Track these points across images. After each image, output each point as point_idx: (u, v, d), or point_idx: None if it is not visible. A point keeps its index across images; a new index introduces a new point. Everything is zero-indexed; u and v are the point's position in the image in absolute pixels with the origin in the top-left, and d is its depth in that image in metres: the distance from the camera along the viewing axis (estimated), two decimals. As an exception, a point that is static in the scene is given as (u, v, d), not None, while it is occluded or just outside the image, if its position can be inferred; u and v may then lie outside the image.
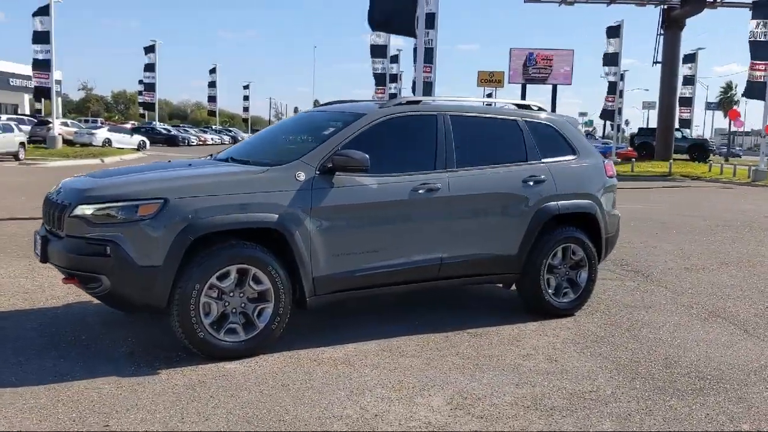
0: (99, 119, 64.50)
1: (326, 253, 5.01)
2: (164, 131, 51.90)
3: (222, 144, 58.06)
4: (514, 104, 6.52)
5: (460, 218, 5.60)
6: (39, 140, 36.47)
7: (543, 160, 6.09)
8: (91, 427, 3.65)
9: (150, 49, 49.22)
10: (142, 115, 59.66)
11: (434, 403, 4.12)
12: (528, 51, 56.03)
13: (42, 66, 36.13)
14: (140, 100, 52.74)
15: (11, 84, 59.75)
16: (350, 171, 5.06)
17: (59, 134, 36.18)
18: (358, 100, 6.41)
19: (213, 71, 60.42)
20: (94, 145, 37.27)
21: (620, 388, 4.48)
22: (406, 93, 41.60)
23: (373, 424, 3.81)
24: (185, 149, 46.83)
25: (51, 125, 36.52)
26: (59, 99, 67.26)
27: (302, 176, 4.97)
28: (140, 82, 50.00)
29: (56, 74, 64.02)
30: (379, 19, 14.10)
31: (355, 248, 5.15)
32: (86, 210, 4.54)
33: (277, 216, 4.79)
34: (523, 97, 57.50)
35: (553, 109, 57.00)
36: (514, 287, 6.29)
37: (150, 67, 49.21)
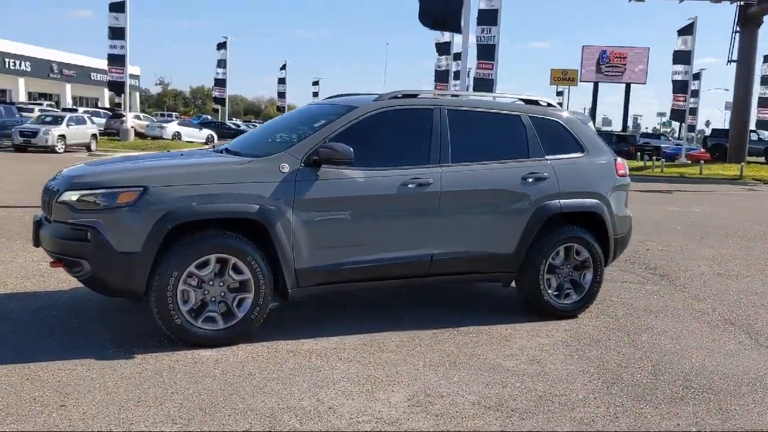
0: (174, 113, 66.51)
1: (309, 245, 5.01)
2: (233, 126, 52.99)
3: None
4: (521, 99, 6.38)
5: (453, 214, 5.51)
6: (113, 132, 37.89)
7: (546, 157, 5.93)
8: (48, 405, 3.77)
9: (222, 46, 50.34)
10: (215, 110, 61.05)
11: (394, 399, 4.08)
12: (601, 48, 54.88)
13: (117, 61, 37.34)
14: (214, 96, 53.89)
15: (92, 78, 62.36)
16: (335, 164, 5.06)
17: (132, 127, 37.52)
18: (369, 94, 6.36)
19: (283, 68, 61.25)
20: (164, 138, 38.42)
21: (594, 393, 4.33)
22: (463, 90, 41.56)
23: (324, 416, 3.80)
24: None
25: (124, 118, 37.86)
26: (137, 93, 69.93)
27: (286, 168, 4.99)
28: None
29: (134, 69, 66.70)
30: (427, 17, 14.05)
31: (340, 241, 5.14)
32: (72, 196, 4.68)
33: (258, 207, 4.82)
34: (595, 96, 56.37)
35: (626, 109, 55.82)
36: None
37: (222, 63, 50.32)
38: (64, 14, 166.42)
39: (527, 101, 6.31)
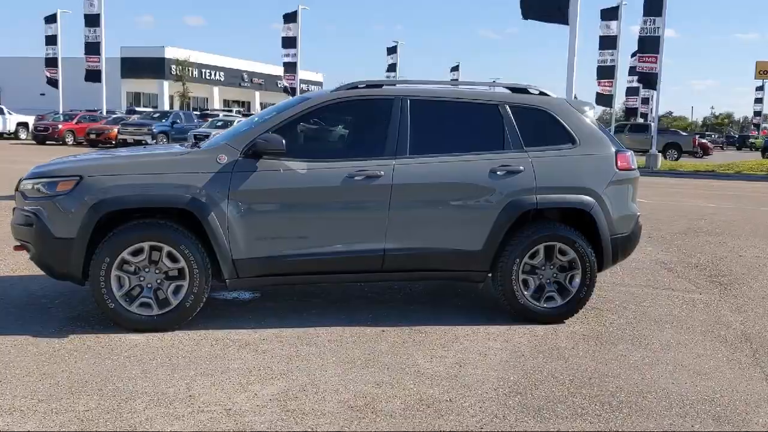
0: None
1: (247, 236, 5.04)
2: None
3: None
4: (508, 87, 5.95)
5: (407, 208, 5.28)
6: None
7: (526, 149, 5.50)
8: (-56, 373, 4.11)
9: (392, 50, 51.48)
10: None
11: (263, 393, 3.99)
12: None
13: (290, 68, 39.53)
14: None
15: (279, 86, 66.32)
16: (271, 155, 5.04)
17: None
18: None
19: (455, 68, 61.49)
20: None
21: (486, 402, 3.97)
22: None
23: (173, 404, 3.79)
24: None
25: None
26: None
27: (224, 159, 5.05)
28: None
29: (318, 76, 69.95)
30: (528, 7, 13.51)
31: (280, 233, 5.11)
32: (27, 185, 5.06)
33: (190, 197, 4.92)
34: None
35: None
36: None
37: (392, 67, 51.46)
38: (264, 27, 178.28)
39: (515, 89, 5.88)
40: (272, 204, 5.11)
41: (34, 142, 34.03)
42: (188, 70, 54.75)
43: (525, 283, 5.47)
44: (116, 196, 4.88)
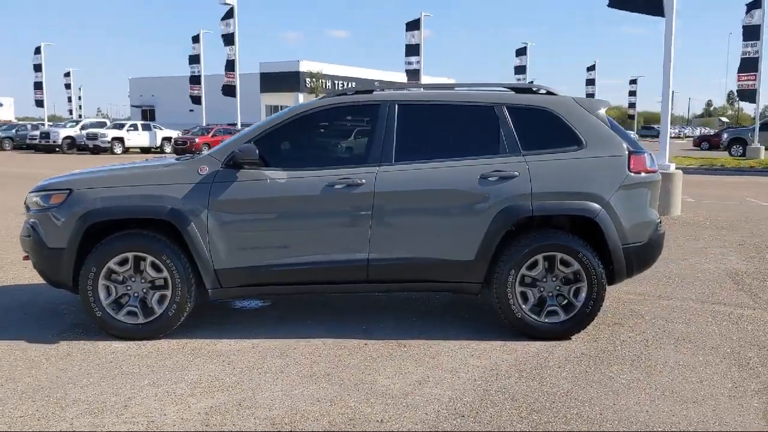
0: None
1: (228, 246, 5.04)
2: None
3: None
4: (511, 87, 5.58)
5: (392, 217, 5.08)
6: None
7: (523, 153, 5.14)
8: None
9: (521, 52, 50.47)
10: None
11: (197, 406, 3.94)
12: None
13: (414, 75, 39.77)
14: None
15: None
16: (248, 165, 5.03)
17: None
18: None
19: (592, 68, 59.34)
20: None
21: (418, 424, 3.71)
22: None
23: (103, 413, 3.83)
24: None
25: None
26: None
27: (205, 170, 5.09)
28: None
29: (442, 81, 69.67)
30: None
31: (261, 243, 5.08)
32: (30, 198, 5.34)
33: (170, 208, 5.00)
34: None
35: None
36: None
37: (520, 70, 50.45)
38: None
39: (519, 90, 5.52)
40: (252, 214, 5.08)
41: (175, 154, 36.29)
42: (321, 82, 56.35)
43: (523, 295, 5.11)
44: (101, 207, 5.03)
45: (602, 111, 5.36)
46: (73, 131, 39.70)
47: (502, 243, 5.08)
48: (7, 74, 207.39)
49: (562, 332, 5.12)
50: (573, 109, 5.27)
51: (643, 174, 5.23)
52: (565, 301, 5.12)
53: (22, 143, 40.43)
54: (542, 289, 5.12)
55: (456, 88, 5.72)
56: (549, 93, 5.45)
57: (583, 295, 5.08)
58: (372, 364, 4.63)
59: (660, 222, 5.36)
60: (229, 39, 39.65)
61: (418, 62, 39.46)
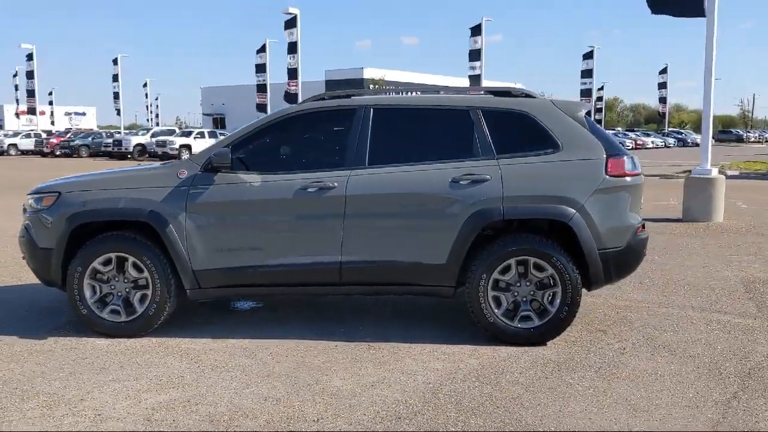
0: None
1: (205, 248, 5.18)
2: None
3: (664, 148, 55.62)
4: (490, 91, 5.53)
5: (363, 220, 5.11)
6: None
7: (497, 156, 5.10)
8: None
9: (588, 56, 49.55)
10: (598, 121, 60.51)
11: (148, 401, 4.06)
12: None
13: (475, 81, 39.57)
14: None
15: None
16: (223, 169, 5.16)
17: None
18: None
19: (663, 71, 57.61)
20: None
21: (353, 425, 3.74)
22: None
23: (58, 406, 3.99)
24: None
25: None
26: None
27: (185, 174, 5.24)
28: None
29: (517, 87, 69.12)
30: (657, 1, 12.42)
31: (236, 245, 5.19)
32: (27, 201, 5.62)
33: (149, 210, 5.17)
34: None
35: None
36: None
37: (587, 73, 49.54)
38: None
39: (497, 93, 5.47)
40: (227, 216, 5.20)
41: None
42: (384, 88, 56.69)
43: (496, 300, 5.06)
44: (85, 210, 5.25)
45: (581, 113, 5.27)
46: (143, 139, 41.13)
47: (477, 247, 5.05)
48: (91, 84, 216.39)
49: (536, 337, 5.04)
50: (550, 112, 5.20)
51: (622, 177, 5.11)
52: (540, 306, 5.04)
53: (97, 150, 42.14)
54: (516, 293, 5.06)
55: (441, 92, 5.71)
56: (527, 96, 5.39)
57: (557, 300, 4.99)
58: (334, 365, 4.67)
59: (641, 226, 5.22)
60: (291, 47, 40.35)
61: (479, 67, 39.31)
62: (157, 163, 5.74)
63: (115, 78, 53.03)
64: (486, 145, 5.12)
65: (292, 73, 41.07)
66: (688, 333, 5.36)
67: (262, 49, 45.57)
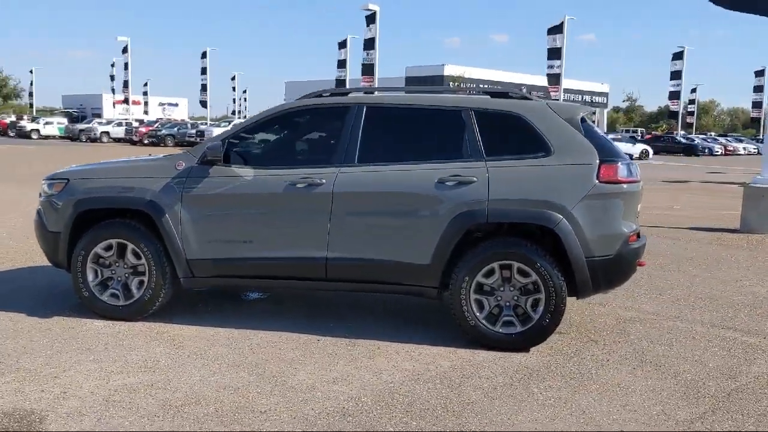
0: (639, 130, 65.35)
1: (198, 238, 5.34)
2: (684, 140, 49.72)
3: (757, 155, 52.90)
4: (487, 92, 5.45)
5: (349, 217, 5.15)
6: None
7: (486, 158, 5.04)
8: None
9: (677, 56, 47.88)
10: (669, 126, 58.37)
11: (113, 383, 4.20)
12: None
13: (554, 80, 38.93)
14: (671, 109, 51.25)
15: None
16: (217, 162, 5.29)
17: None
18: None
19: (760, 73, 54.87)
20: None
21: (296, 420, 3.80)
22: None
23: (31, 380, 4.21)
24: (703, 159, 44.12)
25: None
26: (605, 111, 70.65)
27: (182, 165, 5.41)
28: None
29: (603, 87, 67.53)
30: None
31: (228, 236, 5.32)
32: (42, 185, 5.92)
33: (148, 199, 5.37)
34: None
35: None
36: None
37: (676, 75, 47.88)
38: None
39: (494, 94, 5.39)
40: (219, 208, 5.33)
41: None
42: (464, 85, 56.34)
43: (479, 303, 5.00)
44: (89, 197, 5.49)
45: (578, 117, 5.13)
46: (224, 130, 42.33)
47: (463, 249, 5.00)
48: (185, 76, 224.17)
49: (518, 343, 4.96)
50: (545, 115, 5.09)
51: (615, 184, 4.95)
52: (524, 312, 4.96)
53: (182, 140, 43.64)
54: (499, 298, 4.99)
55: (443, 93, 5.68)
56: (523, 98, 5.29)
57: (541, 307, 4.90)
58: (307, 359, 4.73)
59: (636, 235, 5.04)
60: (369, 44, 40.68)
61: (559, 66, 38.67)
62: (161, 155, 5.94)
63: (204, 71, 54.86)
64: (475, 147, 5.06)
65: (368, 69, 41.40)
66: (684, 349, 5.15)
67: (343, 45, 46.13)
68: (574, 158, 4.96)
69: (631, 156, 39.69)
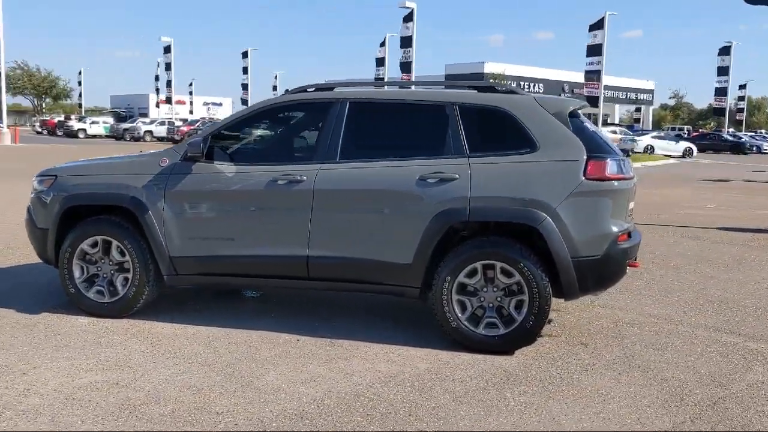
0: (685, 128, 63.83)
1: (180, 235, 5.28)
2: (731, 138, 48.32)
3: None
4: (473, 86, 5.27)
5: (330, 215, 5.03)
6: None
7: (469, 154, 4.87)
8: None
9: (724, 51, 46.60)
10: (717, 123, 56.81)
11: (79, 381, 4.16)
12: None
13: (593, 76, 38.18)
14: (716, 106, 49.92)
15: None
16: (198, 159, 5.23)
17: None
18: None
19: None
20: (636, 152, 37.53)
21: (252, 421, 3.71)
22: None
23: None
24: (751, 157, 42.81)
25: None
26: (650, 108, 69.22)
27: (166, 162, 5.37)
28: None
29: (648, 84, 66.13)
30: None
31: (209, 234, 5.26)
32: (33, 182, 5.94)
33: (131, 196, 5.33)
34: None
35: None
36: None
37: (723, 71, 46.62)
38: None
39: (481, 88, 5.22)
40: (201, 205, 5.27)
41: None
42: (506, 83, 55.82)
43: (461, 304, 4.84)
44: (75, 194, 5.48)
45: (567, 112, 4.92)
46: (261, 129, 42.66)
47: (446, 248, 4.85)
48: (228, 76, 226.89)
49: (500, 346, 4.79)
50: (531, 110, 4.90)
51: (603, 181, 4.74)
52: (507, 313, 4.78)
53: (220, 139, 44.08)
54: (482, 299, 4.82)
55: (432, 87, 5.53)
56: (511, 92, 5.10)
57: (524, 308, 4.72)
58: (281, 359, 4.64)
59: (626, 234, 4.82)
60: (406, 41, 40.52)
61: (599, 62, 37.86)
62: (147, 152, 5.90)
63: (245, 70, 55.44)
64: (458, 143, 4.90)
65: (406, 67, 41.24)
66: (678, 354, 4.91)
67: (382, 44, 46.07)
68: (560, 154, 4.76)
69: (684, 154, 38.71)
